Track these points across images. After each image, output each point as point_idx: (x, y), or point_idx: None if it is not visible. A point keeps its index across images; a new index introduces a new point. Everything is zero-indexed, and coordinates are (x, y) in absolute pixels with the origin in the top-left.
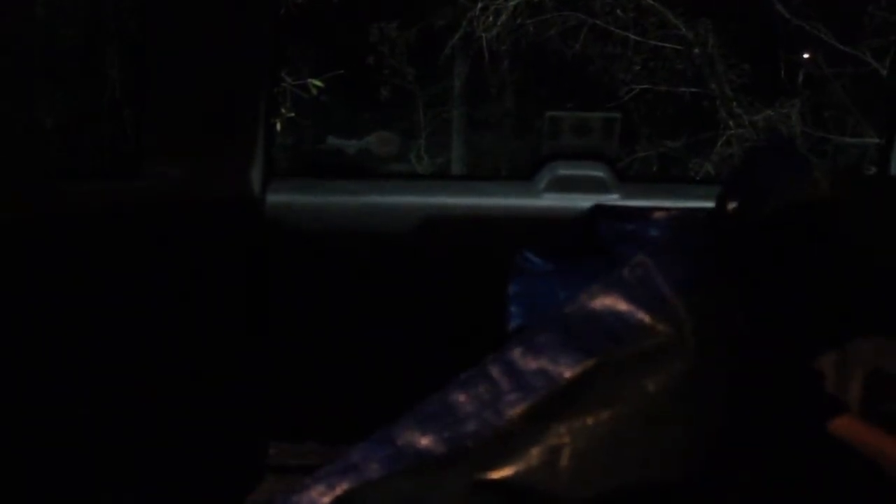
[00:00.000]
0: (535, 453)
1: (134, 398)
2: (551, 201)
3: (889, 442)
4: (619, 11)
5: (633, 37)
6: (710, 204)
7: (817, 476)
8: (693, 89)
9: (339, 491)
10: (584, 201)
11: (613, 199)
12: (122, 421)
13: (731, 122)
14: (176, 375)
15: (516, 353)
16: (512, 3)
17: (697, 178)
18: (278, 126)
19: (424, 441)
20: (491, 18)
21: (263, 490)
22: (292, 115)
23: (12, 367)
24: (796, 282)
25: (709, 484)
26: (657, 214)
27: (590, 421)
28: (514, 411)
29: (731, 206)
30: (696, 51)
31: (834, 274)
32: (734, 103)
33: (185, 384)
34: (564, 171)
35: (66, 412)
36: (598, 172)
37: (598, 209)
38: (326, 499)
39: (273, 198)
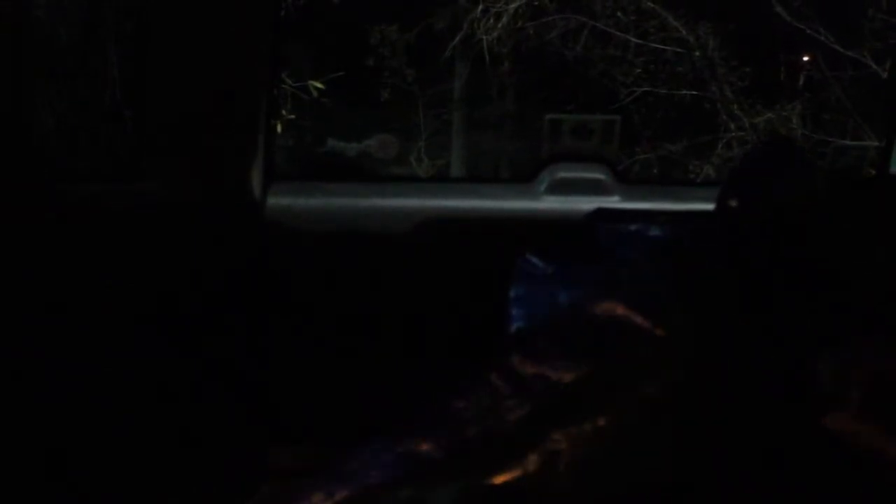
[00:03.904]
0: (534, 458)
1: (132, 400)
2: (551, 203)
3: (888, 442)
4: (619, 14)
5: (633, 39)
6: (710, 206)
7: (816, 477)
8: (693, 92)
9: (338, 497)
10: (584, 203)
11: (614, 201)
12: (121, 423)
13: (731, 125)
14: (174, 377)
15: (516, 359)
16: (513, 6)
17: (698, 181)
18: (278, 128)
19: (424, 447)
20: (491, 21)
21: (263, 493)
22: (292, 116)
23: (11, 367)
24: (795, 282)
25: (708, 488)
26: (658, 218)
27: (589, 426)
28: (514, 416)
29: (731, 205)
30: (697, 54)
31: (833, 274)
32: (735, 106)
33: (184, 386)
34: (565, 173)
35: (65, 414)
36: (598, 175)
37: (599, 212)
38: None
39: (273, 200)
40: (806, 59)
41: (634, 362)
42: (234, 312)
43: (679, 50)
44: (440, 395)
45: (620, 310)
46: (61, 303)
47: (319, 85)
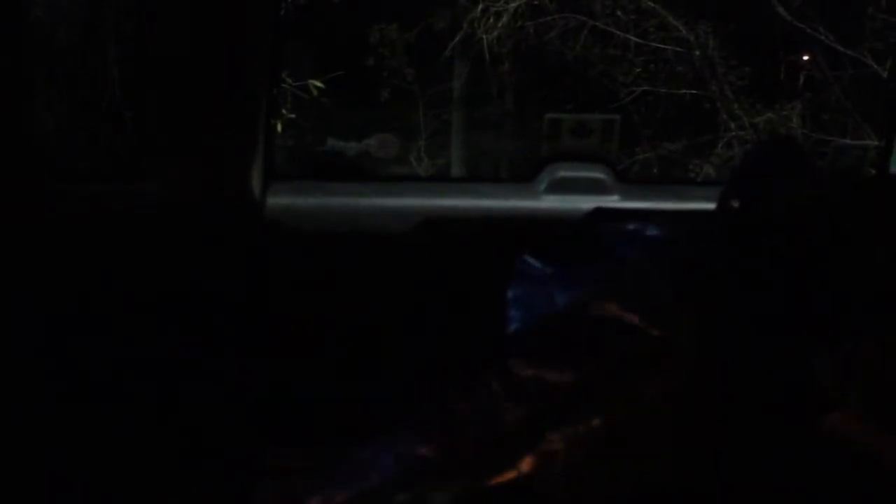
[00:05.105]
0: (531, 460)
1: (133, 400)
2: (551, 203)
3: (888, 442)
4: (619, 13)
5: (633, 39)
6: (710, 206)
7: (816, 477)
8: (693, 91)
9: (338, 499)
10: (584, 203)
11: (613, 200)
12: (121, 423)
13: (731, 124)
14: (175, 377)
15: (513, 360)
16: (512, 5)
17: (698, 180)
18: (278, 128)
19: (422, 448)
20: (491, 20)
21: (263, 493)
22: (292, 116)
23: (12, 367)
24: (796, 281)
25: (707, 488)
26: (658, 218)
27: (586, 427)
28: (511, 418)
29: (733, 205)
30: (697, 53)
31: (834, 273)
32: (735, 105)
33: (184, 386)
34: (564, 172)
35: (65, 413)
36: (598, 174)
37: (599, 212)
38: None
39: (273, 200)
40: (806, 58)
41: (634, 362)
42: (234, 312)
43: (679, 49)
44: (438, 397)
45: (620, 310)
46: (61, 303)
47: (319, 84)
